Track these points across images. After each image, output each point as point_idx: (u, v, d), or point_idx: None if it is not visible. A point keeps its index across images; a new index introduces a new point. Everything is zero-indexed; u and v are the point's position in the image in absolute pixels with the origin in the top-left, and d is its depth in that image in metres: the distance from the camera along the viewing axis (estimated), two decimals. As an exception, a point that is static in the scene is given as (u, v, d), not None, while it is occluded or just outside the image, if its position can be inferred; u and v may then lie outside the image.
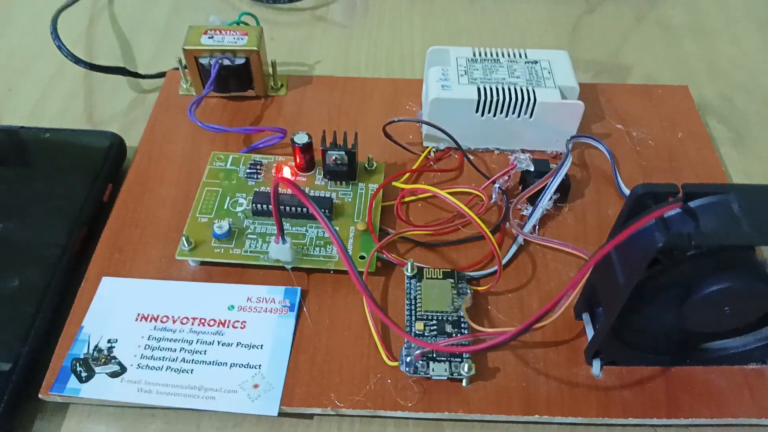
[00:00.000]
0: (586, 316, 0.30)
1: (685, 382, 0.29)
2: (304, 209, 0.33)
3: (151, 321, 0.31)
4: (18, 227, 0.33)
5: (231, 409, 0.28)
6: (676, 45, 0.48)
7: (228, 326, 0.30)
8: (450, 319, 0.30)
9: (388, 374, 0.29)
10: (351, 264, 0.27)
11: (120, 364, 0.29)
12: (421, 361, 0.28)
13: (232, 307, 0.31)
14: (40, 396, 0.28)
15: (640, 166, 0.37)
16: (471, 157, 0.37)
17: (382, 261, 0.33)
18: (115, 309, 0.31)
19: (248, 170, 0.35)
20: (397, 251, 0.33)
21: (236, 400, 0.28)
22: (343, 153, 0.34)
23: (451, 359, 0.28)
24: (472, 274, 0.32)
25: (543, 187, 0.34)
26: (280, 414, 0.28)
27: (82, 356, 0.29)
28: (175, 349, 0.30)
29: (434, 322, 0.30)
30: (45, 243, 0.33)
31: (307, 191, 0.34)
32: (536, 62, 0.37)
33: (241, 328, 0.30)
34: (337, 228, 0.33)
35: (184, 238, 0.32)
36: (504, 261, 0.32)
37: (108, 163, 0.37)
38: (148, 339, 0.30)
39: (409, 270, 0.31)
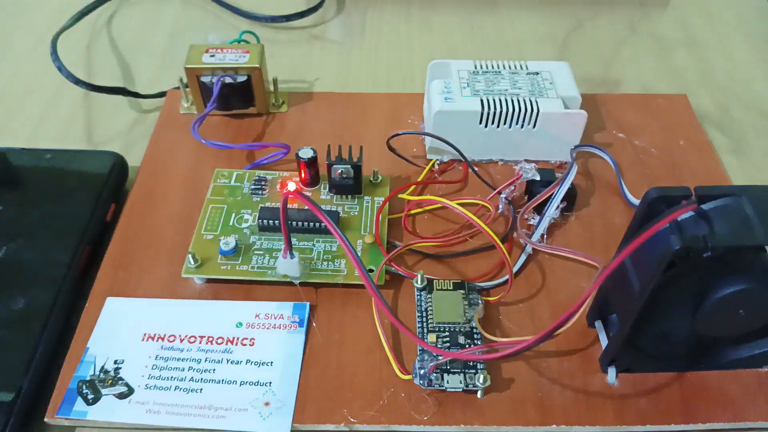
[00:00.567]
0: (598, 324, 0.30)
1: (700, 387, 0.29)
2: (311, 224, 0.33)
3: (157, 340, 0.30)
4: (21, 248, 0.33)
5: (242, 427, 0.27)
6: (669, 58, 0.48)
7: (236, 344, 0.30)
8: (462, 330, 0.29)
9: (401, 388, 0.28)
10: (362, 267, 0.27)
11: (127, 385, 0.29)
12: (435, 374, 0.28)
13: (240, 324, 0.31)
14: (45, 420, 0.28)
15: (644, 174, 0.37)
16: (476, 169, 0.37)
17: (390, 274, 0.32)
18: (121, 329, 0.31)
19: (253, 186, 0.35)
20: (406, 264, 0.33)
21: (247, 419, 0.27)
22: (348, 167, 0.33)
23: (466, 371, 0.28)
24: (482, 284, 0.32)
25: (549, 196, 0.34)
26: (292, 432, 0.27)
27: (88, 378, 0.29)
28: (184, 369, 0.29)
29: (447, 333, 0.29)
30: (49, 263, 0.32)
31: (312, 206, 0.34)
32: (537, 73, 0.38)
33: (250, 345, 0.30)
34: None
35: (190, 256, 0.31)
36: (514, 270, 0.32)
37: (110, 183, 0.36)
38: (156, 359, 0.30)
39: (419, 282, 0.31)
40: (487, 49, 0.49)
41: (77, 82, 0.41)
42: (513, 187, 0.35)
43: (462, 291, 0.31)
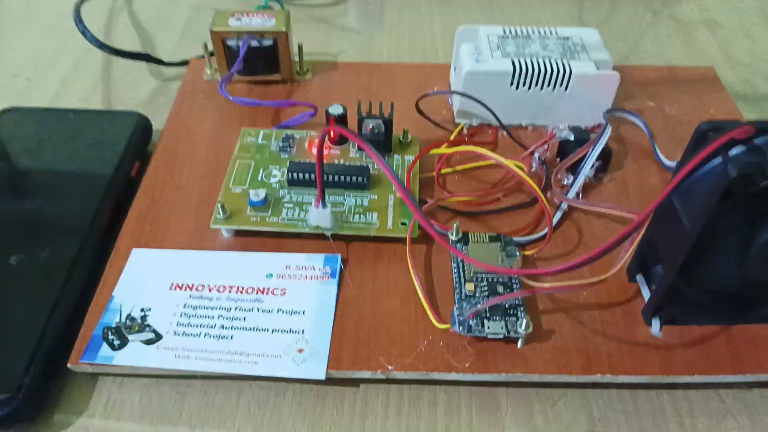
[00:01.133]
0: (640, 277, 0.29)
1: (748, 339, 0.28)
2: (342, 177, 0.32)
3: (186, 290, 0.29)
4: (45, 203, 0.32)
5: (276, 373, 0.26)
6: (691, 37, 0.48)
7: (267, 293, 0.29)
8: (501, 279, 0.29)
9: (439, 337, 0.27)
10: (403, 188, 0.26)
11: (155, 331, 0.28)
12: (474, 320, 0.27)
13: (271, 275, 0.30)
14: (69, 366, 0.27)
15: (677, 140, 0.37)
16: (507, 130, 0.36)
17: (423, 231, 0.32)
18: (148, 279, 0.30)
19: (281, 144, 0.35)
20: (438, 221, 0.32)
21: (281, 365, 0.26)
22: (380, 121, 0.33)
23: (507, 318, 0.27)
24: (518, 239, 0.31)
25: (583, 157, 0.33)
26: (327, 380, 0.26)
27: (114, 325, 0.28)
28: (213, 317, 0.28)
29: (485, 283, 0.28)
30: (73, 217, 0.32)
31: (342, 163, 0.34)
32: (568, 38, 0.37)
33: (282, 294, 0.29)
34: (375, 197, 0.32)
35: (219, 206, 0.31)
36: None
37: (134, 141, 0.36)
38: (184, 307, 0.29)
39: (454, 234, 0.30)
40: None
41: (101, 46, 0.40)
42: (546, 146, 0.34)
43: (499, 243, 0.30)
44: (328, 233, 0.31)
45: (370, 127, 0.33)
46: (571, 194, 0.33)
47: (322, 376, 0.26)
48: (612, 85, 0.36)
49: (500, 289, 0.28)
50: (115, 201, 0.33)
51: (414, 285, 0.29)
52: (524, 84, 0.35)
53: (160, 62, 0.42)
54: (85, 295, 0.29)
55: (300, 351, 0.27)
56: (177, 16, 0.50)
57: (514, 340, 0.27)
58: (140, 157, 0.36)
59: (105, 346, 0.27)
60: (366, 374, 0.26)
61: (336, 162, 0.34)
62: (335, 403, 0.27)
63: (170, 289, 0.29)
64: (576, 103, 0.36)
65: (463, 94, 0.35)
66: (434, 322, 0.28)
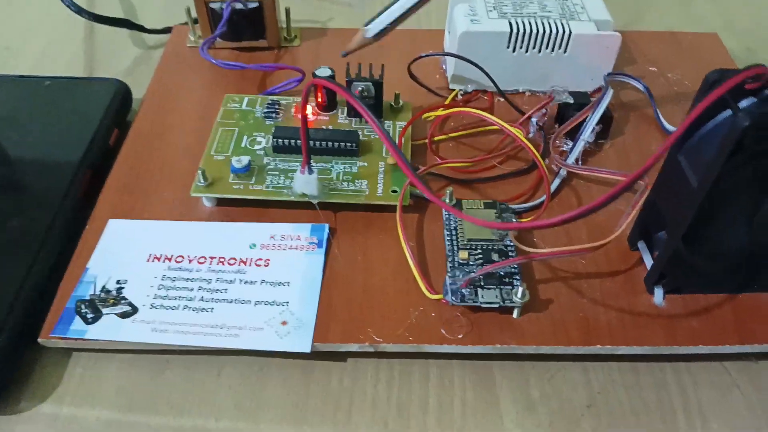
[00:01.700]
0: (642, 245, 0.28)
1: (755, 308, 0.26)
2: (331, 144, 0.30)
3: (164, 261, 0.28)
4: (18, 172, 0.31)
5: (258, 346, 0.25)
6: (691, 7, 0.47)
7: (250, 264, 0.28)
8: (496, 247, 0.27)
9: (431, 308, 0.26)
10: (394, 146, 0.24)
11: (131, 304, 0.26)
12: (468, 289, 0.25)
13: (254, 245, 0.28)
14: (39, 340, 0.25)
15: (680, 104, 0.35)
16: (504, 94, 0.35)
17: (415, 198, 0.30)
18: (124, 250, 0.28)
19: (266, 110, 0.33)
20: (431, 189, 0.31)
21: (263, 338, 0.25)
22: (370, 84, 0.31)
23: (502, 286, 0.25)
24: (514, 206, 0.29)
25: (583, 121, 0.31)
26: (312, 353, 0.25)
27: (87, 297, 0.26)
28: (192, 288, 0.27)
29: (479, 251, 0.27)
30: (47, 186, 0.30)
31: (330, 128, 0.32)
32: (567, -1, 0.36)
33: (265, 266, 0.28)
34: (365, 163, 0.31)
35: (200, 172, 0.29)
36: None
37: (113, 108, 0.34)
38: (162, 279, 0.27)
39: (448, 199, 0.29)
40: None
41: (80, 11, 0.39)
42: (544, 111, 0.33)
43: (494, 210, 0.28)
44: (315, 201, 0.29)
45: (360, 89, 0.31)
46: (570, 160, 0.31)
47: (307, 349, 0.25)
48: (613, 46, 0.34)
49: (495, 256, 0.27)
50: (92, 170, 0.31)
51: (405, 255, 0.27)
52: (521, 46, 0.34)
53: (141, 29, 0.41)
54: (59, 267, 0.28)
55: (284, 323, 0.25)
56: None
57: (510, 310, 0.26)
58: (119, 126, 0.34)
59: (78, 320, 0.26)
60: (354, 347, 0.25)
61: (324, 128, 0.32)
62: (322, 377, 0.26)
63: (148, 260, 0.28)
64: (576, 66, 0.34)
65: (458, 57, 0.34)
66: (426, 292, 0.26)
